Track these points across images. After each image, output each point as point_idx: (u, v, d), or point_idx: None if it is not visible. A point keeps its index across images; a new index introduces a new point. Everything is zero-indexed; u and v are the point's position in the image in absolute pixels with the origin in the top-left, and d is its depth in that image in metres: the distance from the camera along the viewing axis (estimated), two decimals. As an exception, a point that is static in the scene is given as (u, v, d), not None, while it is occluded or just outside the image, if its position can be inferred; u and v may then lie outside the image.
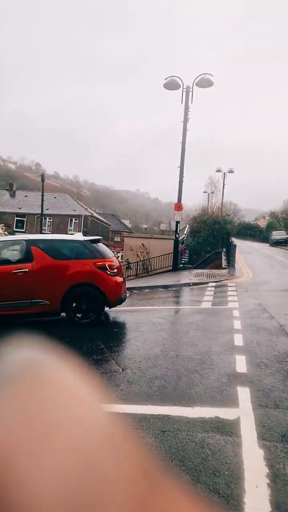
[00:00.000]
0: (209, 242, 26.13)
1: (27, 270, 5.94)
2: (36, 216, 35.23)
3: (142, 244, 17.79)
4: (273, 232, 37.28)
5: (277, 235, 34.33)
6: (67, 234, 36.29)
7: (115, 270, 6.18)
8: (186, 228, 49.85)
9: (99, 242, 6.52)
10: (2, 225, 15.10)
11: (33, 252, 6.08)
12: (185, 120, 15.95)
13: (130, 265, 17.78)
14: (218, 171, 36.25)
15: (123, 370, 3.84)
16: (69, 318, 6.03)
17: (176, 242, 16.43)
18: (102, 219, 40.89)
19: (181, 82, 15.77)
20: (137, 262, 17.09)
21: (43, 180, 27.40)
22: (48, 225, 36.10)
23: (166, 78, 15.90)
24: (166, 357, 4.20)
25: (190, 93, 15.79)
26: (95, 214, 38.72)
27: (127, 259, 18.10)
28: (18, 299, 5.94)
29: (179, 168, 15.99)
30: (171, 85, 15.92)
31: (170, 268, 17.08)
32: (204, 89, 15.95)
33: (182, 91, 15.80)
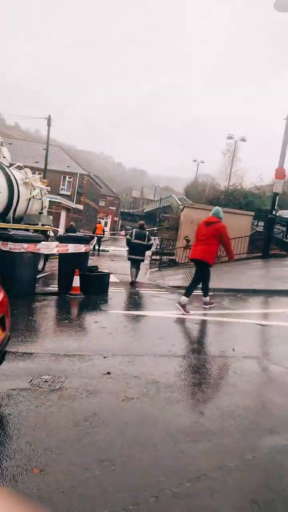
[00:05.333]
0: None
1: None
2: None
3: (208, 219, 14.08)
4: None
5: None
6: (59, 194, 30.83)
7: None
8: (182, 200, 43.77)
9: None
10: (42, 178, 10.53)
11: None
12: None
13: (189, 243, 14.20)
14: (229, 138, 32.71)
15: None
16: None
17: (272, 221, 13.02)
18: (97, 180, 35.81)
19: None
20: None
21: (49, 124, 21.63)
22: (37, 182, 30.41)
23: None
24: None
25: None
26: (91, 174, 33.55)
27: (186, 236, 14.46)
28: None
29: (285, 120, 12.25)
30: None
31: (245, 255, 13.76)
32: None
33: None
